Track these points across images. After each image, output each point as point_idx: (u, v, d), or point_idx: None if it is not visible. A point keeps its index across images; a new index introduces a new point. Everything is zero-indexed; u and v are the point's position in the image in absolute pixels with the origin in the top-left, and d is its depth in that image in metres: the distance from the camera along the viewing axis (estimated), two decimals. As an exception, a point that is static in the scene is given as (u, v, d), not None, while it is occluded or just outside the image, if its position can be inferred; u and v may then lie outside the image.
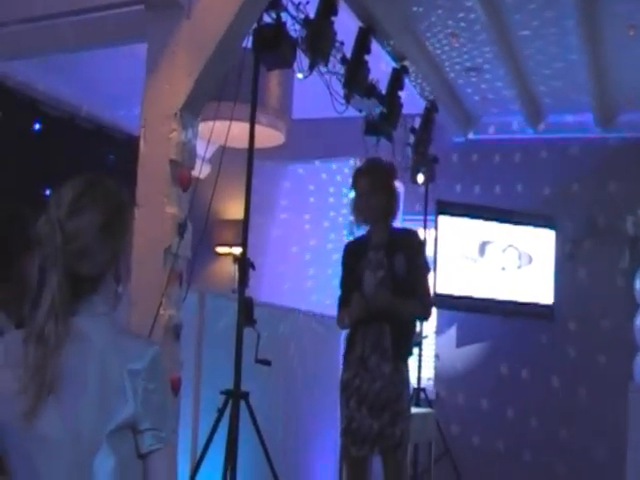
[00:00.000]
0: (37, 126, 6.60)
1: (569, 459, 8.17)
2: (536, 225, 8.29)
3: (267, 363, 4.72)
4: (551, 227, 8.31)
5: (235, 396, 4.66)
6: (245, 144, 4.73)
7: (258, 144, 4.87)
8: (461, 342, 8.66)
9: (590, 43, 6.42)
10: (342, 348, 6.59)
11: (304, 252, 7.97)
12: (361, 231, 4.71)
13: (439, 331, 8.73)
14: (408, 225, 8.21)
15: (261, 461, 4.79)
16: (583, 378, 8.28)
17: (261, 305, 5.25)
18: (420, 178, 7.96)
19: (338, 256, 7.35)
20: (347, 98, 5.74)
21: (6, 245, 2.69)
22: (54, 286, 1.96)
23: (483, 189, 8.75)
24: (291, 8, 4.97)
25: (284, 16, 4.86)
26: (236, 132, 4.81)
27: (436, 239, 8.03)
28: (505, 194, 8.65)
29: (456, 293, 8.03)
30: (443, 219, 8.07)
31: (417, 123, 7.82)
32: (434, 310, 6.04)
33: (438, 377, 8.78)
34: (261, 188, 6.00)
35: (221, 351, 4.97)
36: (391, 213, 4.49)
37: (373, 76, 6.11)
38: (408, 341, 4.52)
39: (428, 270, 4.59)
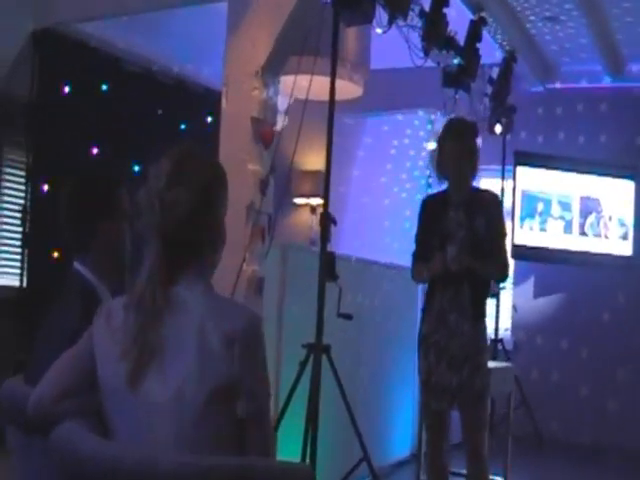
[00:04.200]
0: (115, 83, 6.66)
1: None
2: (616, 176, 8.20)
3: (349, 317, 4.78)
4: (631, 178, 8.21)
5: (317, 349, 4.75)
6: (323, 97, 4.75)
7: (337, 97, 4.88)
8: (538, 293, 8.64)
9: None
10: (420, 301, 6.68)
11: (381, 204, 7.98)
12: (438, 186, 4.72)
13: (516, 282, 8.72)
14: (486, 175, 8.26)
15: (342, 413, 4.87)
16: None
17: (342, 258, 5.31)
18: (498, 128, 7.89)
19: (413, 209, 7.46)
20: (426, 51, 5.71)
21: (87, 214, 2.73)
22: (153, 256, 2.04)
23: (561, 139, 8.67)
24: (369, -36, 4.94)
25: (362, -28, 4.84)
26: (314, 86, 4.83)
27: (514, 190, 7.98)
28: (584, 144, 8.56)
29: (533, 244, 7.99)
30: (521, 170, 8.02)
31: (495, 73, 7.73)
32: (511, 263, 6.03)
33: (515, 327, 8.78)
34: (338, 140, 6.02)
35: (303, 305, 5.04)
36: (473, 173, 4.50)
37: (451, 27, 6.06)
38: (484, 301, 4.52)
39: (506, 233, 4.59)
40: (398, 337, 6.88)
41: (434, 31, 5.67)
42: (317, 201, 8.55)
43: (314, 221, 8.75)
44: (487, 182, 8.54)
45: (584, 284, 8.43)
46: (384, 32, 5.25)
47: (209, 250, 2.16)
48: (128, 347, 1.99)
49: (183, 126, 7.17)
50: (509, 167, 8.07)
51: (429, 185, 7.48)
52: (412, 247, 4.65)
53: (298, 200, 8.83)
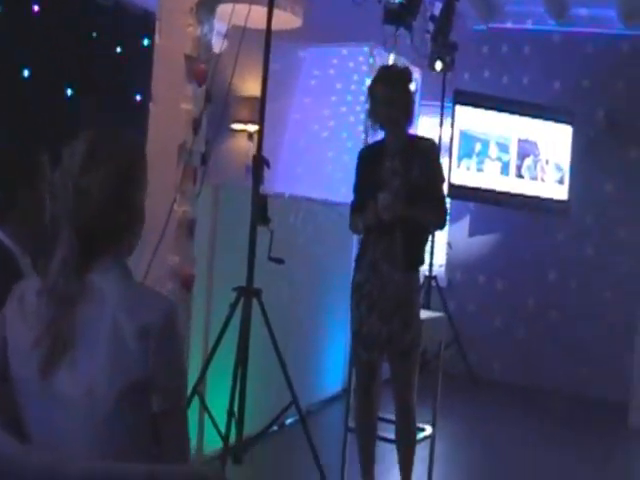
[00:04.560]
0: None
1: (573, 349, 8.32)
2: (554, 120, 8.19)
3: (280, 261, 4.74)
4: (569, 123, 8.21)
5: (247, 293, 4.71)
6: (262, 25, 4.63)
7: (275, 26, 4.77)
8: (474, 232, 8.68)
9: None
10: (355, 239, 6.66)
11: (322, 134, 7.85)
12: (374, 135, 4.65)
13: (452, 220, 8.73)
14: (426, 112, 8.20)
15: (272, 358, 4.86)
16: (597, 275, 8.35)
17: (275, 196, 5.26)
18: (438, 65, 7.83)
19: (353, 143, 7.39)
20: (366, -10, 5.60)
21: (4, 182, 2.63)
22: (66, 243, 1.95)
23: (501, 80, 8.65)
24: None
25: None
26: (253, 14, 4.69)
27: (452, 129, 7.95)
28: (523, 86, 8.55)
29: (470, 184, 7.99)
30: (460, 109, 7.97)
31: (437, 9, 7.64)
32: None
33: (449, 265, 8.84)
34: (278, 70, 5.90)
35: (235, 247, 4.97)
36: (408, 120, 4.43)
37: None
38: (420, 250, 4.49)
39: (443, 179, 4.54)
40: (332, 271, 6.88)
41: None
42: (254, 127, 8.49)
43: (251, 147, 8.67)
44: (426, 119, 8.52)
45: (519, 225, 8.49)
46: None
47: (126, 234, 2.06)
48: (40, 335, 1.91)
49: (119, 49, 6.97)
50: (449, 106, 8.04)
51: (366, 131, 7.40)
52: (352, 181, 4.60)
53: (235, 126, 8.71)
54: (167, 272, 4.42)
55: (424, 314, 4.60)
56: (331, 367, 7.04)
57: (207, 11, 4.53)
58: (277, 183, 7.26)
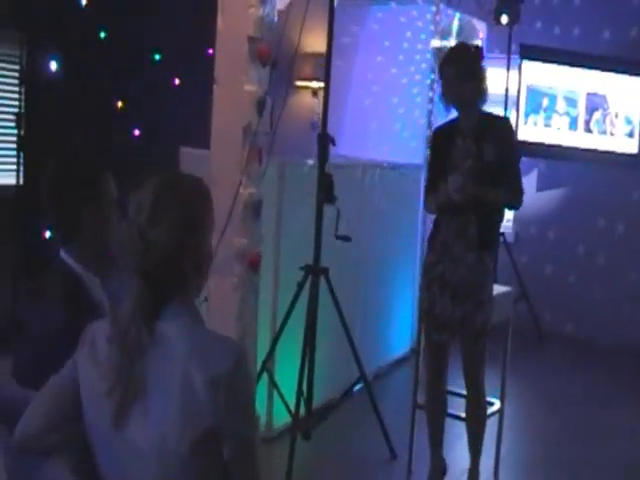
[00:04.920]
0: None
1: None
2: (623, 72, 7.97)
3: (347, 239, 4.76)
4: (639, 74, 8.00)
5: (315, 272, 4.74)
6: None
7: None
8: (541, 187, 8.57)
9: None
10: (421, 200, 6.64)
11: (390, 92, 7.77)
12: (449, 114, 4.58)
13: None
14: (492, 64, 8.05)
15: (339, 331, 4.91)
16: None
17: (339, 166, 5.26)
18: (504, 19, 7.69)
19: (421, 99, 7.32)
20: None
21: (69, 201, 2.59)
22: (135, 292, 1.98)
23: (568, 32, 8.43)
24: None
25: None
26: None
27: (519, 85, 7.81)
28: (591, 38, 8.32)
29: (537, 140, 7.87)
30: (527, 64, 7.82)
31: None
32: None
33: (517, 220, 8.75)
34: (342, 28, 5.83)
35: (301, 225, 5.00)
36: (480, 99, 4.35)
37: None
38: (493, 231, 4.45)
39: (519, 158, 4.47)
40: (398, 230, 6.91)
41: None
42: (318, 84, 8.49)
43: (315, 104, 8.65)
44: (492, 71, 8.36)
45: (588, 180, 8.35)
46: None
47: (194, 277, 2.08)
48: (112, 385, 1.94)
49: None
50: (516, 58, 7.89)
51: (432, 88, 7.31)
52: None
53: (300, 82, 8.70)
54: (235, 254, 4.45)
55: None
56: (399, 328, 7.07)
57: (270, -10, 4.49)
58: (342, 145, 7.25)
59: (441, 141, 4.44)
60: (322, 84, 8.40)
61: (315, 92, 8.69)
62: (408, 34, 7.40)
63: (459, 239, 4.32)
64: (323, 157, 4.63)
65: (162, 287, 2.00)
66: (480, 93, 4.32)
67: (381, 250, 6.53)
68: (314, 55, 7.86)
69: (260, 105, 4.51)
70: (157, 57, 7.18)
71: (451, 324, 4.36)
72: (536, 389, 6.93)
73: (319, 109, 8.63)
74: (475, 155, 4.26)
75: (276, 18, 4.60)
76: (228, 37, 4.48)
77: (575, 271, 8.55)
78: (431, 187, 4.42)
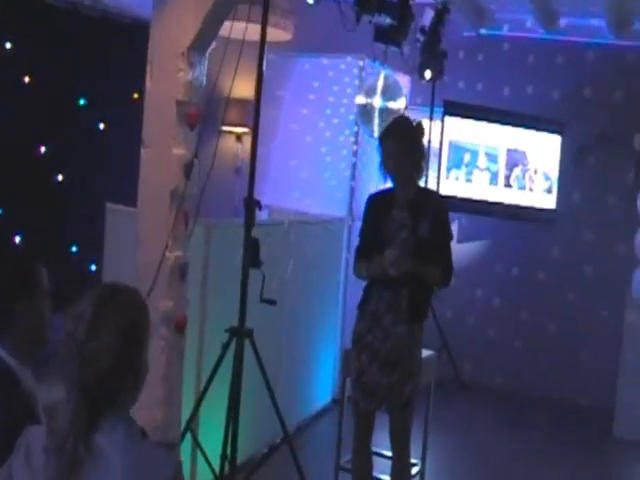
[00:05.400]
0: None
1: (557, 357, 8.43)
2: (543, 129, 8.21)
3: (272, 303, 4.78)
4: (558, 132, 8.23)
5: (240, 334, 4.75)
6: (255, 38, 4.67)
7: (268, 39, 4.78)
8: (462, 239, 8.72)
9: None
10: (344, 255, 6.71)
11: (316, 143, 7.83)
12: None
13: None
14: (414, 114, 8.18)
15: (263, 394, 4.92)
16: (575, 283, 8.42)
17: (263, 224, 5.28)
18: (428, 74, 7.84)
19: (347, 152, 7.38)
20: (357, 18, 5.61)
21: (1, 294, 2.55)
22: (73, 405, 1.97)
23: (491, 88, 8.64)
24: None
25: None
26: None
27: (441, 140, 7.96)
28: (513, 95, 8.55)
29: (459, 194, 8.02)
30: (450, 120, 7.98)
31: (427, 14, 7.61)
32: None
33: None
34: (268, 79, 5.86)
35: (227, 287, 5.01)
36: (418, 174, 4.46)
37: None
38: (424, 304, 4.53)
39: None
40: (323, 286, 6.98)
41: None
42: (242, 130, 8.60)
43: (239, 149, 8.72)
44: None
45: (508, 234, 8.54)
46: (314, 2, 5.14)
47: (131, 389, 2.10)
48: None
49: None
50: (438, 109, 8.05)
51: (356, 142, 7.41)
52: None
53: (224, 127, 8.74)
54: (161, 317, 4.44)
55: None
56: (321, 381, 7.13)
57: (199, 54, 4.51)
58: (266, 194, 7.28)
59: (377, 209, 4.51)
60: (246, 129, 8.56)
61: (239, 137, 8.79)
62: (335, 88, 7.49)
63: (390, 311, 4.39)
64: (250, 221, 4.65)
65: (100, 399, 2.01)
66: (418, 169, 4.43)
67: (304, 305, 6.59)
68: (239, 100, 7.94)
69: (188, 168, 4.52)
70: (82, 102, 7.16)
71: (379, 393, 4.42)
72: (457, 436, 7.03)
73: (242, 154, 8.75)
74: (410, 228, 4.34)
75: (204, 81, 4.63)
76: (157, 100, 4.48)
77: (494, 323, 8.71)
78: (362, 253, 4.50)
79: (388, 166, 4.43)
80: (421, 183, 4.63)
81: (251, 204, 4.69)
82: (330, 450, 5.21)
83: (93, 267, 7.22)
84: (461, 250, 8.68)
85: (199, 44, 4.47)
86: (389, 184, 4.56)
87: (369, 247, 4.42)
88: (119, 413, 2.05)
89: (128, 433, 2.04)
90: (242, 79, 7.05)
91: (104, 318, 2.02)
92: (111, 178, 7.01)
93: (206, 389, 4.81)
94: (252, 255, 4.65)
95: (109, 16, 7.28)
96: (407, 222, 4.36)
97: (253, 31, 4.69)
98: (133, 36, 6.66)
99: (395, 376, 4.38)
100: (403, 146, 4.36)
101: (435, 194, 4.73)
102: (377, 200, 4.60)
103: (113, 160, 7.08)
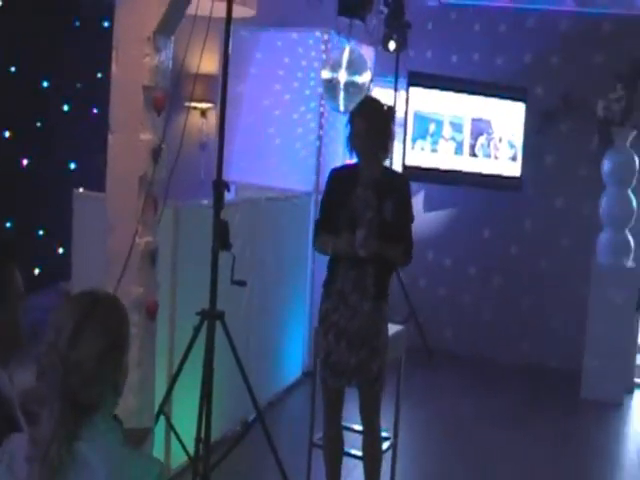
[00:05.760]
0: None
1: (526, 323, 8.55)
2: (507, 98, 8.24)
3: (243, 284, 4.79)
4: (522, 100, 8.27)
5: (211, 316, 4.76)
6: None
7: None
8: (428, 208, 8.77)
9: None
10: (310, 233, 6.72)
11: (283, 118, 7.81)
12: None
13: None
14: (379, 88, 8.19)
15: (235, 372, 4.94)
16: (544, 250, 8.53)
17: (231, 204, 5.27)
18: (392, 45, 7.84)
19: (304, 129, 7.39)
20: (322, -6, 5.59)
21: None
22: (56, 414, 1.99)
23: (456, 57, 8.66)
24: None
25: None
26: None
27: (406, 111, 7.96)
28: (478, 63, 8.57)
29: (424, 165, 8.05)
30: (414, 90, 7.98)
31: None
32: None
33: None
34: (234, 55, 5.85)
35: (197, 269, 5.01)
36: (385, 154, 4.50)
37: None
38: (388, 280, 4.58)
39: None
40: (290, 260, 7.03)
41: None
42: (207, 105, 8.58)
43: (204, 124, 8.69)
44: (381, 91, 8.50)
45: (474, 202, 8.60)
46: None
47: (113, 394, 2.13)
48: None
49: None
50: (404, 84, 8.05)
51: (322, 116, 7.42)
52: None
53: (188, 103, 8.70)
54: (132, 303, 4.44)
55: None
56: (291, 356, 7.19)
57: (165, 38, 4.49)
58: (232, 170, 7.28)
59: (341, 184, 4.52)
60: (210, 105, 8.53)
61: (204, 112, 8.75)
62: (303, 62, 7.47)
63: (356, 289, 4.43)
64: (218, 204, 4.65)
65: (82, 406, 2.03)
66: (384, 150, 4.46)
67: (273, 282, 6.63)
68: (203, 76, 7.89)
69: (156, 153, 4.51)
70: (45, 84, 7.09)
71: (347, 371, 4.47)
72: (426, 406, 7.13)
73: (207, 129, 8.72)
74: (375, 208, 4.38)
75: (170, 64, 4.60)
76: (123, 85, 4.46)
77: (464, 291, 8.81)
78: (324, 227, 4.52)
79: (355, 144, 4.46)
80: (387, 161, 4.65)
81: (220, 187, 4.69)
82: (303, 425, 5.27)
83: (61, 250, 7.18)
84: (430, 219, 8.76)
85: (165, 28, 4.44)
86: (355, 159, 4.59)
87: (331, 222, 4.45)
88: (101, 421, 2.07)
89: (111, 440, 2.07)
90: (205, 55, 7.05)
91: (87, 327, 2.04)
92: (78, 161, 7.00)
93: (178, 372, 4.82)
94: (222, 238, 4.66)
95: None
96: (372, 202, 4.40)
97: (215, 8, 4.65)
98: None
99: (363, 353, 4.44)
100: (372, 126, 4.39)
101: (399, 175, 4.75)
102: (341, 175, 4.62)
103: (79, 143, 7.02)
